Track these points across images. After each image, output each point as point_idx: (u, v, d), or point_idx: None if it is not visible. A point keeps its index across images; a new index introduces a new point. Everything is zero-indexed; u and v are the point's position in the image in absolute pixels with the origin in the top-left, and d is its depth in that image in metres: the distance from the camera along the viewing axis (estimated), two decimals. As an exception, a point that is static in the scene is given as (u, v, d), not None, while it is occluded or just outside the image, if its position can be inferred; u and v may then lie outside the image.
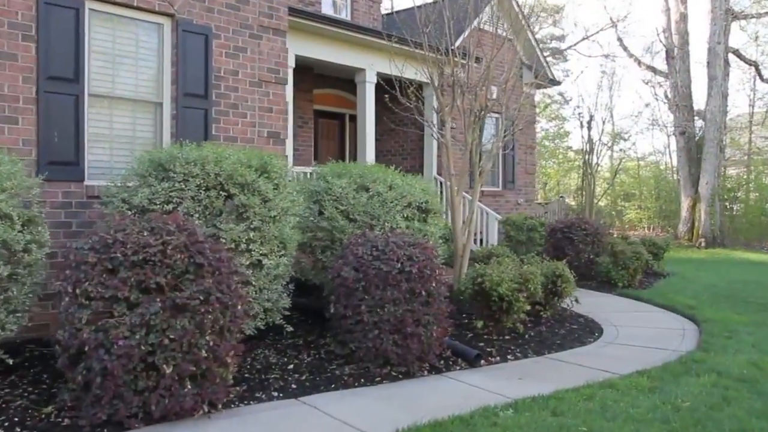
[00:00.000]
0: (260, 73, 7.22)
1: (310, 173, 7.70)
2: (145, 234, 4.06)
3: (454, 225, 8.14)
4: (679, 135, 20.18)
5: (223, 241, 4.97)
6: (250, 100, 7.14)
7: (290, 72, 9.86)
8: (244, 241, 5.08)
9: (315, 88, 12.91)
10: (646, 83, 26.48)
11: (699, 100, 21.03)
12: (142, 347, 3.81)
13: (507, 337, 6.35)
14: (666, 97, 21.37)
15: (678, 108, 19.93)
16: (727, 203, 21.13)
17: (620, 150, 28.41)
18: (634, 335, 6.84)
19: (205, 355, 4.01)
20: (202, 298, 3.98)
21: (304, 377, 4.90)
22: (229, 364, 4.20)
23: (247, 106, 7.11)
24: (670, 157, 26.70)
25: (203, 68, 6.72)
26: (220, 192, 5.06)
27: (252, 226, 5.11)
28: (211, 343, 4.04)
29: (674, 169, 24.09)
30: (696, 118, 20.74)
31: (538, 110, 31.14)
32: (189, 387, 3.98)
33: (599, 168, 27.31)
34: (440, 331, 5.30)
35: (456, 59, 8.08)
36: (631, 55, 22.82)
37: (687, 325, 7.52)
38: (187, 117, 6.59)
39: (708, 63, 19.24)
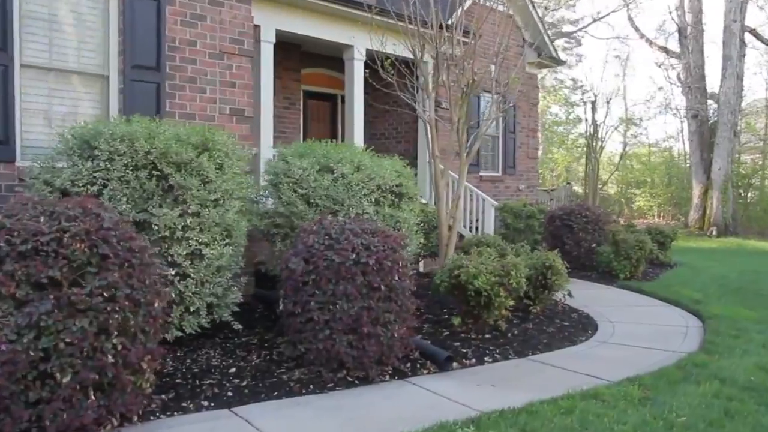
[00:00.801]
0: (222, 44, 6.59)
1: (274, 155, 7.07)
2: (41, 219, 3.46)
3: (438, 210, 7.51)
4: (691, 118, 19.29)
5: (156, 228, 4.38)
6: (209, 73, 6.51)
7: (269, 47, 9.24)
8: (180, 228, 4.48)
9: (304, 67, 12.26)
10: (659, 65, 25.55)
11: (713, 83, 20.14)
12: (32, 352, 3.23)
13: (487, 336, 5.72)
14: (679, 79, 20.46)
15: (690, 90, 19.03)
16: (740, 190, 20.25)
17: (631, 135, 27.52)
18: (632, 333, 6.19)
19: (113, 360, 3.42)
20: (106, 294, 3.39)
21: (245, 383, 4.31)
22: (144, 370, 3.61)
23: (206, 80, 6.49)
24: (684, 143, 25.76)
25: (155, 37, 6.10)
26: (152, 172, 4.45)
27: (189, 211, 4.51)
28: (120, 348, 3.45)
29: (687, 154, 23.21)
30: (710, 101, 19.84)
31: (547, 95, 30.16)
32: (93, 398, 3.41)
33: (610, 154, 26.45)
34: (405, 331, 4.68)
35: (442, 31, 7.39)
36: (642, 36, 21.90)
37: (691, 321, 6.85)
38: (136, 91, 5.98)
39: (723, 42, 18.30)
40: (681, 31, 19.26)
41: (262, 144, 9.13)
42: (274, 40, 9.29)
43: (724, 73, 18.20)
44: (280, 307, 4.68)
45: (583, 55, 35.85)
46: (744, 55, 19.05)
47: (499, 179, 13.88)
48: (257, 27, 9.15)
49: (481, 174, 13.25)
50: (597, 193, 12.21)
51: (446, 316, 6.27)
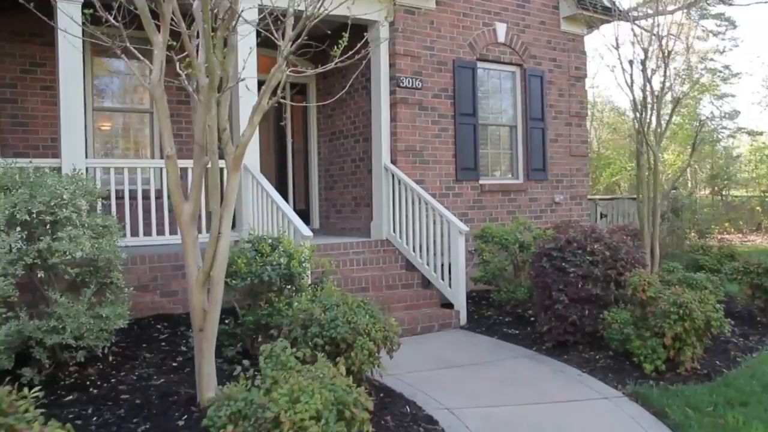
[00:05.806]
0: None
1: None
2: None
3: (186, 261, 3.82)
4: None
5: None
6: None
7: (73, 8, 6.10)
8: None
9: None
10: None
11: None
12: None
13: None
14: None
15: None
16: None
17: (735, 125, 21.22)
18: None
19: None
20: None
21: None
22: None
23: None
24: None
25: None
26: None
27: None
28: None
29: None
30: None
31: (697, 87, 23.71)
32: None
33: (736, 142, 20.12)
34: None
35: None
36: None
37: None
38: None
39: None
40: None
41: (64, 156, 6.10)
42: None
43: None
44: None
45: (738, 38, 28.92)
46: None
47: (518, 188, 9.46)
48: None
49: (482, 182, 9.00)
50: (657, 206, 7.49)
51: None
